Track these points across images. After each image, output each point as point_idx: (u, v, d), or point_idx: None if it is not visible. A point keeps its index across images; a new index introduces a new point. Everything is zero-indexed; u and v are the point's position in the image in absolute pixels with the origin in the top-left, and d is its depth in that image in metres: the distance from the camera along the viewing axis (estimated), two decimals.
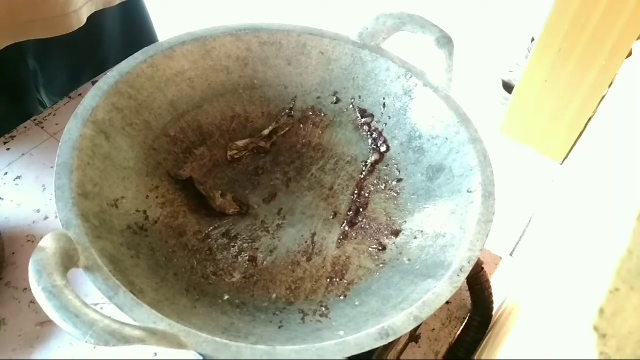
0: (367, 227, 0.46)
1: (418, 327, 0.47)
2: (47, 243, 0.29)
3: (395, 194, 0.47)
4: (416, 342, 0.47)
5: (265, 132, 0.49)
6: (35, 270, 0.27)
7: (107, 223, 0.36)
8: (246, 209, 0.46)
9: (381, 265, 0.42)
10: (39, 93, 0.69)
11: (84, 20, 0.56)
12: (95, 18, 0.59)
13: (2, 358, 0.42)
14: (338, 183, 0.49)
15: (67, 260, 0.29)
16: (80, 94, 0.62)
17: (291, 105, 0.50)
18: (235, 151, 0.48)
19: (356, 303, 0.39)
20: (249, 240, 0.44)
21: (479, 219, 0.38)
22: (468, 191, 0.40)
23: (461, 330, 0.48)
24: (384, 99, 0.49)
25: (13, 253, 0.48)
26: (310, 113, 0.51)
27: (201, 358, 0.41)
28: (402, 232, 0.44)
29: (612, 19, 1.13)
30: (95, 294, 0.44)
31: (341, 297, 0.40)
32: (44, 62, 0.66)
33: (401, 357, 0.46)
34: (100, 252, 0.32)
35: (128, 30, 0.71)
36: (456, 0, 1.90)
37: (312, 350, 0.30)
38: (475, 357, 0.45)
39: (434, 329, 0.47)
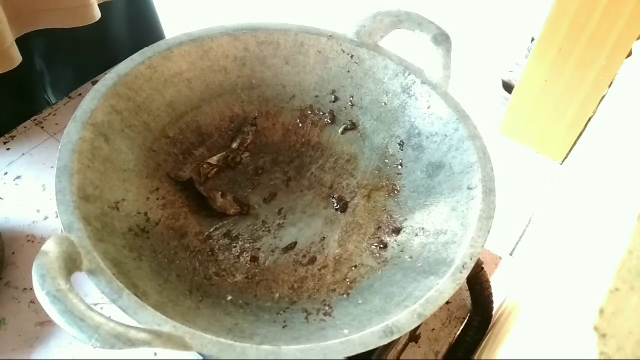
0: (368, 225, 0.46)
1: (418, 327, 0.47)
2: (50, 247, 0.29)
3: (395, 192, 0.47)
4: (416, 342, 0.47)
5: (234, 145, 0.49)
6: (39, 275, 0.27)
7: (108, 226, 0.36)
8: (247, 209, 0.46)
9: (383, 263, 0.42)
10: (46, 92, 0.69)
11: (99, 14, 0.57)
12: (102, 16, 0.59)
13: (2, 358, 0.42)
14: (338, 182, 0.49)
15: (71, 263, 0.29)
16: (80, 94, 0.62)
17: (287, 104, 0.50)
18: (208, 169, 0.48)
19: (359, 301, 0.39)
20: (251, 241, 0.44)
21: (480, 216, 0.38)
22: (468, 188, 0.40)
23: (461, 330, 0.48)
24: (382, 96, 0.49)
25: (13, 253, 0.48)
26: (309, 112, 0.51)
27: (201, 358, 0.41)
28: (403, 229, 0.44)
29: (612, 19, 1.13)
30: (95, 294, 0.44)
31: (344, 296, 0.40)
32: (51, 61, 0.66)
33: (401, 357, 0.46)
34: (103, 255, 0.32)
35: (135, 28, 0.71)
36: (456, 0, 1.90)
37: (317, 349, 0.30)
38: (475, 357, 0.45)
39: (434, 329, 0.48)
